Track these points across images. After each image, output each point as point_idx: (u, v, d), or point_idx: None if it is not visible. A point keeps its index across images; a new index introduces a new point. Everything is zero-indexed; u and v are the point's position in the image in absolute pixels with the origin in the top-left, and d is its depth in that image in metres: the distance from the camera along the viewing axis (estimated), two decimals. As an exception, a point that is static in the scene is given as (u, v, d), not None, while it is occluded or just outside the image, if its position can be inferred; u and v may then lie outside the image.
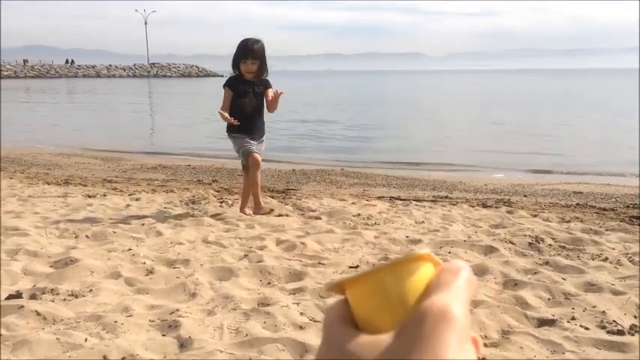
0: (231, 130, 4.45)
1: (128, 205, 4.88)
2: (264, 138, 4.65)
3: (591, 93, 37.88)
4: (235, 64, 4.48)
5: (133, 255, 3.24)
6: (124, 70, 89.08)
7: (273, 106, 4.45)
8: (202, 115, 21.10)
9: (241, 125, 4.38)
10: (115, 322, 2.32)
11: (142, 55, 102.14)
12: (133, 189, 5.85)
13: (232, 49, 4.57)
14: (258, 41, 4.47)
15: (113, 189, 5.84)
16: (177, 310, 2.43)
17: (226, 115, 4.33)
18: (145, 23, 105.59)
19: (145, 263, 3.09)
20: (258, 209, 4.65)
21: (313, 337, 2.20)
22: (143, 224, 4.08)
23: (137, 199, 5.16)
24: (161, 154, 10.62)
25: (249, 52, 4.40)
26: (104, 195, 5.39)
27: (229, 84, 4.50)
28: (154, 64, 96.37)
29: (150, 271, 2.98)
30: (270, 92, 4.48)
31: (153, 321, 2.35)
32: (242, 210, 4.68)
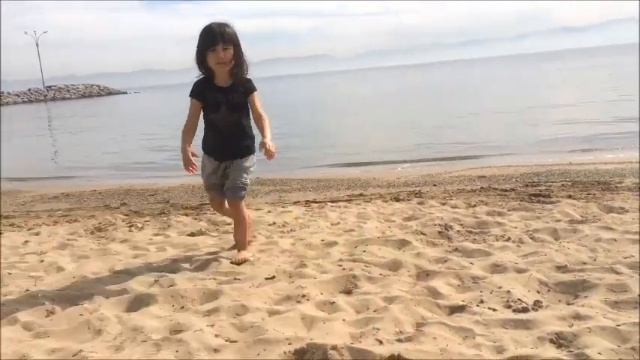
0: (204, 148, 3.56)
1: (26, 241, 4.54)
2: (248, 159, 3.54)
3: (486, 81, 40.10)
4: (201, 58, 3.38)
5: (31, 296, 3.00)
6: (18, 96, 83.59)
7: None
8: (106, 134, 20.20)
9: (211, 147, 3.51)
10: (12, 374, 2.12)
11: (39, 79, 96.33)
12: (33, 222, 5.46)
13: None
14: (226, 24, 3.39)
15: (10, 225, 5.42)
16: (81, 350, 2.26)
17: (187, 151, 3.31)
18: (37, 45, 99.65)
19: (44, 304, 2.86)
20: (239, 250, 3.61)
21: (229, 359, 2.13)
22: (42, 261, 3.80)
23: (37, 234, 4.81)
24: (63, 178, 10.07)
25: (218, 35, 3.30)
26: (-1, 233, 4.98)
27: (196, 92, 3.43)
28: (50, 87, 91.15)
29: (50, 312, 2.76)
30: (257, 105, 3.42)
31: (54, 367, 2.17)
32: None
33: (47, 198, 7.65)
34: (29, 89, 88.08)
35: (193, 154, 3.37)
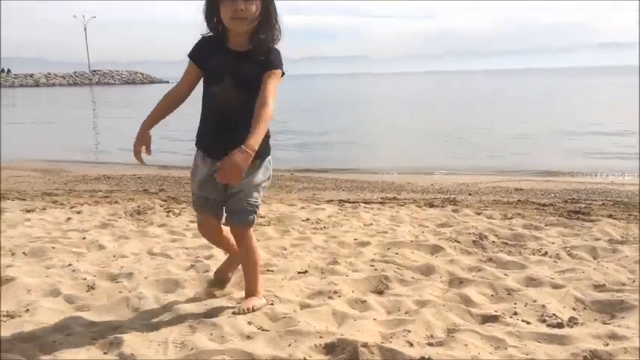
0: (196, 141, 2.54)
1: (69, 218, 4.70)
2: (260, 170, 2.46)
3: (529, 92, 39.32)
4: (212, 9, 2.37)
5: (74, 271, 3.12)
6: (64, 78, 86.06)
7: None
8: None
9: (205, 137, 2.48)
10: (54, 342, 2.22)
11: (83, 62, 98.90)
12: (75, 201, 5.64)
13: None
14: None
15: (53, 202, 5.61)
16: (120, 326, 2.35)
17: (144, 126, 2.45)
18: (85, 29, 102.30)
19: (85, 279, 2.97)
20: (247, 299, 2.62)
21: (261, 347, 2.18)
22: (84, 238, 3.94)
23: (78, 212, 4.98)
24: (105, 163, 10.32)
25: None
26: (43, 209, 5.17)
27: (195, 52, 2.44)
28: (95, 71, 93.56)
29: (91, 287, 2.87)
30: (271, 82, 2.33)
31: (94, 339, 2.25)
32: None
33: (89, 179, 7.89)
34: (75, 72, 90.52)
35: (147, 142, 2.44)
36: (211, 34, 2.43)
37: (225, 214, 2.53)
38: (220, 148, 2.32)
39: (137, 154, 2.46)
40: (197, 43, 2.45)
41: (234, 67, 2.36)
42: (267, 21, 2.36)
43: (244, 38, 2.38)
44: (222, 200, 2.48)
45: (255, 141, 2.19)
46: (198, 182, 2.49)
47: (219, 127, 2.41)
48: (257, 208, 2.51)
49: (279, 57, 2.40)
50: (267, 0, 2.35)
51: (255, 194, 2.47)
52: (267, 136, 2.42)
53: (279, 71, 2.37)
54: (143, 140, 2.44)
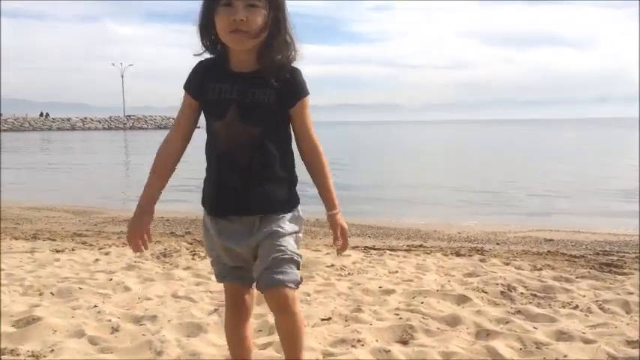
0: (202, 198, 1.94)
1: (97, 259, 4.77)
2: (288, 217, 1.87)
3: (560, 143, 38.96)
4: (205, 23, 1.82)
5: (99, 312, 3.15)
6: (100, 122, 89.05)
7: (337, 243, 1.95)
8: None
9: (208, 191, 1.90)
10: (76, 384, 2.22)
11: (120, 107, 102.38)
12: (103, 243, 5.74)
13: None
14: None
15: (82, 243, 5.72)
16: (142, 369, 2.35)
17: (141, 207, 1.90)
18: (122, 76, 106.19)
19: (110, 321, 2.99)
20: None
21: (282, 395, 2.14)
22: (111, 279, 3.98)
23: (106, 254, 5.05)
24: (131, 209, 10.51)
25: None
26: (72, 250, 5.27)
27: (191, 82, 1.90)
28: (129, 116, 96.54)
29: (115, 329, 2.89)
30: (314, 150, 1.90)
31: (115, 382, 2.26)
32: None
33: (118, 221, 8.02)
34: (110, 117, 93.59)
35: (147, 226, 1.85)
36: (209, 57, 1.88)
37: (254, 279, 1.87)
38: (226, 200, 1.83)
39: (135, 247, 1.86)
40: (192, 71, 1.89)
41: (238, 94, 1.79)
42: (277, 34, 1.78)
43: (251, 56, 1.81)
44: (246, 265, 1.89)
45: (335, 196, 1.91)
46: (215, 241, 1.88)
47: (224, 173, 1.83)
48: (298, 257, 1.85)
49: (303, 79, 1.85)
50: (275, 6, 1.77)
51: (291, 240, 1.84)
52: (293, 184, 1.92)
53: (308, 98, 1.87)
54: (140, 228, 1.85)
